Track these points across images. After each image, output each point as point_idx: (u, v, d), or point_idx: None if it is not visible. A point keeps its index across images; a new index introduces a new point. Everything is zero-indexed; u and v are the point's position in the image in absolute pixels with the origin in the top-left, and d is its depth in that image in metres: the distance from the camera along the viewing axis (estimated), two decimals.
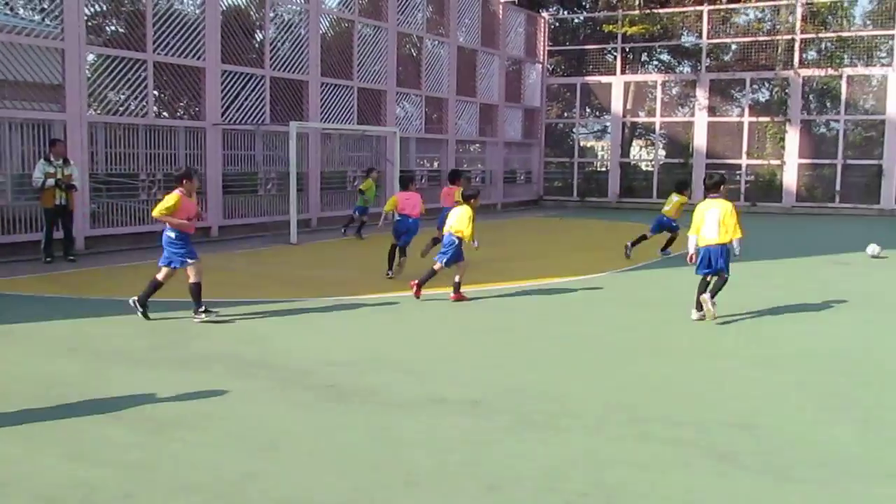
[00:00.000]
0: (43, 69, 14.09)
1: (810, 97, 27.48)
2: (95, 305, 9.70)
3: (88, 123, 14.72)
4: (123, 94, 15.58)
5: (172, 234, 8.62)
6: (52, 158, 12.73)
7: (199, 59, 16.55)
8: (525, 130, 29.54)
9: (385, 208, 12.33)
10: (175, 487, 4.40)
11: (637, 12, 28.34)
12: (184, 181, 8.73)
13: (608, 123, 30.49)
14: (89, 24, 15.05)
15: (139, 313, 8.69)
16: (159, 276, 8.71)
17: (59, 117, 14.18)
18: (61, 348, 7.58)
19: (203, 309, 8.59)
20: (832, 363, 7.34)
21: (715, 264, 8.84)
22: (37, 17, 14.82)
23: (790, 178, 26.85)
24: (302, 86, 19.33)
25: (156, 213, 8.63)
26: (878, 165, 25.87)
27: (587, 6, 33.39)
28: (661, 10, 28.54)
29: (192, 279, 8.60)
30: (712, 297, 8.93)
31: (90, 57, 15.26)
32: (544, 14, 30.93)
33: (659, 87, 29.27)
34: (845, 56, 26.60)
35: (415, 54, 23.96)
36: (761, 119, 27.21)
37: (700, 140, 27.81)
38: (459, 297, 10.05)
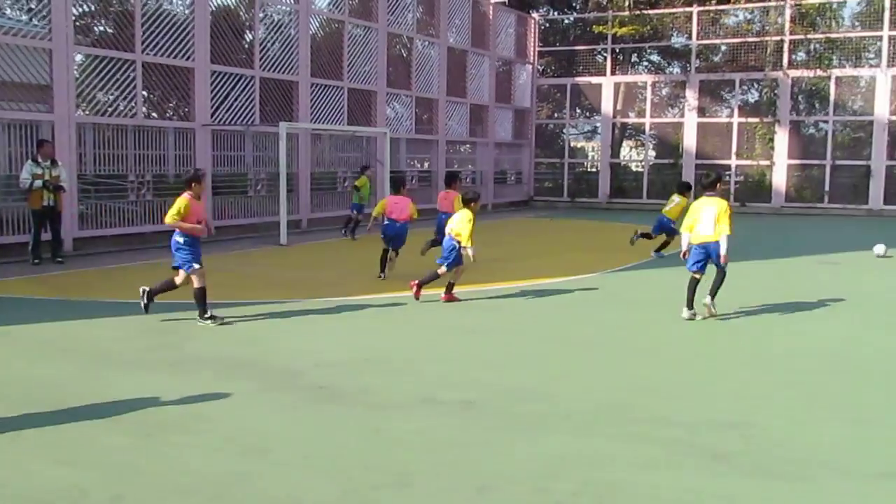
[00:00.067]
0: (30, 69, 14.01)
1: (799, 98, 27.62)
2: (84, 307, 9.64)
3: (77, 124, 14.65)
4: (112, 94, 15.50)
5: (181, 239, 8.55)
6: (39, 159, 12.65)
7: (188, 59, 16.49)
8: (515, 131, 29.57)
9: (373, 212, 12.34)
10: (166, 490, 4.38)
11: (627, 13, 28.42)
12: (192, 184, 8.68)
13: (598, 124, 30.56)
14: (77, 24, 14.97)
15: (142, 303, 8.76)
16: (177, 280, 8.71)
17: (46, 118, 14.10)
18: (50, 351, 7.53)
19: (209, 315, 8.54)
20: (821, 363, 7.38)
21: (713, 254, 8.87)
22: (24, 17, 14.76)
23: (779, 179, 26.98)
24: (292, 86, 19.29)
25: (168, 220, 8.53)
26: (866, 166, 26.03)
27: (577, 7, 33.48)
28: (650, 11, 28.63)
29: (196, 284, 8.55)
30: (713, 297, 9.00)
31: (78, 57, 15.18)
32: (534, 15, 30.98)
33: (649, 88, 29.36)
34: (834, 57, 26.77)
35: (405, 55, 23.96)
36: (751, 120, 27.33)
37: (690, 141, 27.91)
38: (451, 298, 10.05)
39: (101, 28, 16.28)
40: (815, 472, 4.72)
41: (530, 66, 30.18)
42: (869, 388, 6.59)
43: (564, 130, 31.28)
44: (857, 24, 27.90)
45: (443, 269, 10.07)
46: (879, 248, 14.85)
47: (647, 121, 29.29)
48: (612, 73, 29.37)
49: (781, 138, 26.80)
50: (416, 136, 24.02)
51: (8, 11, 15.36)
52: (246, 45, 18.64)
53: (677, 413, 5.79)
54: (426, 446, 5.09)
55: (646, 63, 32.61)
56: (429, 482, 4.53)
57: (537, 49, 30.49)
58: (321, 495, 4.36)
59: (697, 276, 9.06)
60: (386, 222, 11.78)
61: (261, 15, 18.62)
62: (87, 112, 15.28)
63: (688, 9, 28.04)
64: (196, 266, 8.52)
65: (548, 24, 32.55)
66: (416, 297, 10.00)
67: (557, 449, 5.05)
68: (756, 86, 28.35)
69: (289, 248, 16.01)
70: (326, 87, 20.20)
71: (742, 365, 7.26)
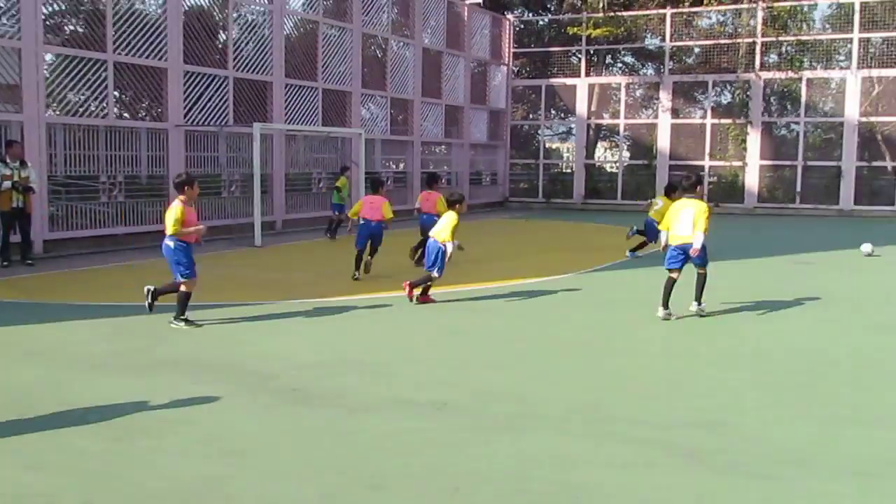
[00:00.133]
0: None
1: (771, 99, 27.95)
2: (54, 310, 9.50)
3: (47, 124, 14.44)
4: (83, 94, 15.31)
5: (172, 244, 8.37)
6: (8, 160, 12.47)
7: (160, 59, 16.33)
8: (490, 132, 29.62)
9: (350, 213, 12.28)
10: (138, 495, 4.32)
11: (601, 15, 28.55)
12: (185, 188, 8.37)
13: (573, 125, 30.67)
14: (47, 23, 14.79)
15: (146, 303, 8.70)
16: (183, 288, 8.51)
17: (15, 118, 13.89)
18: (18, 354, 7.41)
19: (184, 317, 8.41)
20: (794, 362, 7.45)
21: (691, 255, 8.96)
22: None
23: (752, 180, 27.25)
24: (266, 87, 19.17)
25: (171, 232, 8.29)
26: (837, 167, 26.36)
27: (552, 8, 33.61)
28: (624, 13, 28.79)
29: (184, 289, 8.45)
30: (699, 302, 9.21)
31: (48, 57, 14.97)
32: (509, 16, 31.05)
33: (623, 89, 29.52)
34: (805, 59, 27.09)
35: (380, 56, 23.90)
36: (723, 121, 27.57)
37: (664, 142, 28.11)
38: (426, 300, 10.03)
39: (72, 27, 16.07)
40: (787, 471, 4.76)
41: (505, 68, 30.24)
42: (841, 386, 6.67)
43: (539, 131, 31.38)
44: (827, 26, 28.26)
45: (434, 273, 10.03)
46: (866, 248, 15.05)
47: (622, 122, 29.45)
48: (587, 74, 29.50)
49: (754, 139, 27.08)
50: (391, 137, 23.97)
51: None
52: (220, 46, 18.49)
53: (651, 413, 5.82)
54: (400, 448, 5.07)
55: (620, 64, 32.81)
56: (403, 484, 4.51)
57: (512, 50, 30.57)
58: (295, 498, 4.32)
59: (674, 275, 9.13)
60: (361, 222, 11.74)
61: (234, 15, 18.49)
62: (58, 112, 15.09)
63: (661, 11, 28.24)
64: (193, 278, 8.44)
65: (522, 26, 32.64)
66: (410, 297, 9.94)
67: (532, 449, 5.06)
68: (729, 87, 28.60)
69: (263, 249, 15.91)
70: (301, 87, 20.10)
71: (715, 364, 7.32)
